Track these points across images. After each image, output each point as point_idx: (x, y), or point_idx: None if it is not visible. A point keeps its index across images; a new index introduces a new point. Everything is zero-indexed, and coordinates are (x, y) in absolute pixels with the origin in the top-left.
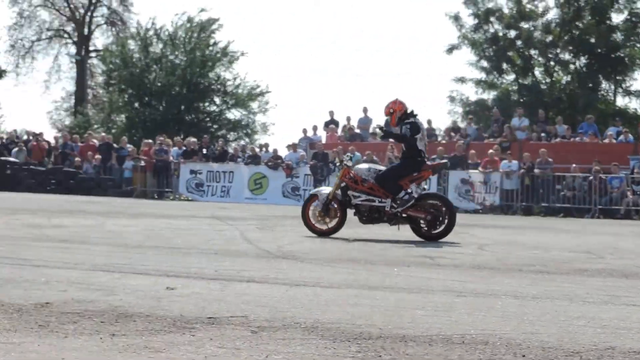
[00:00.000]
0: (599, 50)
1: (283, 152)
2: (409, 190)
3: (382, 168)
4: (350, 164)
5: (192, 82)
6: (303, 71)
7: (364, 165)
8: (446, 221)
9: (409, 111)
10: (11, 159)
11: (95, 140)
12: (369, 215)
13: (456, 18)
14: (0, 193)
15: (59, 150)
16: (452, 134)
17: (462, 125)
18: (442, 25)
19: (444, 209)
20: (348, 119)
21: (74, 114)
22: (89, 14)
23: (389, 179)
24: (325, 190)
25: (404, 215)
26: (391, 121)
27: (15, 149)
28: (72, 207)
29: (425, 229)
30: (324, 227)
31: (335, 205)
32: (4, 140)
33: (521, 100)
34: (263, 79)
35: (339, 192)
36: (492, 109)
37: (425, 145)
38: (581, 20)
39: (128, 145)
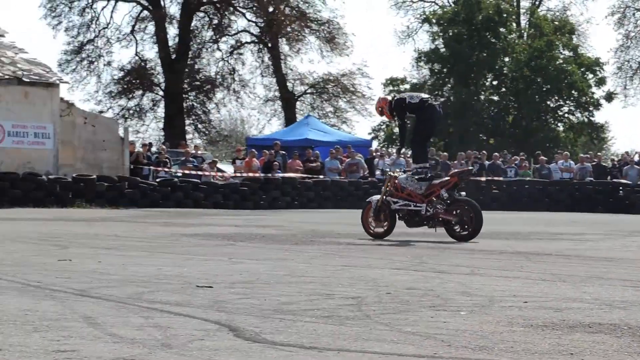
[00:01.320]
0: None
1: None
2: (444, 195)
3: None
4: (395, 174)
5: None
6: None
7: (403, 175)
8: (473, 224)
9: (390, 98)
10: (623, 180)
11: None
12: (410, 219)
13: None
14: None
15: None
16: None
17: None
18: None
19: (471, 213)
20: None
21: None
22: None
23: (413, 145)
24: (377, 197)
25: (439, 218)
26: (386, 117)
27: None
28: None
29: (457, 230)
30: (379, 230)
31: (386, 212)
32: (615, 163)
33: None
34: None
35: (387, 198)
36: None
37: (419, 98)
38: None
39: None
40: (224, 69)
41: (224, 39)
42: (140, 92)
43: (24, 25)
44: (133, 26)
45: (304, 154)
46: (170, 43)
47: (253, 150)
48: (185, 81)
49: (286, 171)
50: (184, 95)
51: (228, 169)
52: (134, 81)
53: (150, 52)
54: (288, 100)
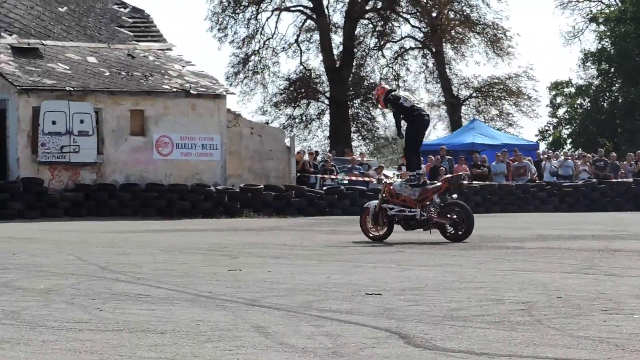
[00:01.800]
0: None
1: None
2: (436, 200)
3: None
4: (391, 180)
5: None
6: None
7: (398, 181)
8: (465, 225)
9: (388, 88)
10: None
11: None
12: (406, 223)
13: None
14: None
15: None
16: None
17: None
18: None
19: (463, 215)
20: None
21: None
22: None
23: (406, 153)
24: (374, 203)
25: (433, 222)
26: (380, 105)
27: None
28: None
29: (451, 231)
30: (377, 234)
31: (384, 216)
32: None
33: None
34: None
35: (383, 205)
36: None
37: (411, 103)
38: None
39: None
40: (389, 75)
41: (387, 45)
42: (305, 101)
43: (190, 38)
44: (297, 36)
45: (471, 158)
46: (335, 51)
47: None
48: (350, 89)
49: None
50: (349, 103)
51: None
52: (299, 90)
53: (315, 60)
54: (453, 105)
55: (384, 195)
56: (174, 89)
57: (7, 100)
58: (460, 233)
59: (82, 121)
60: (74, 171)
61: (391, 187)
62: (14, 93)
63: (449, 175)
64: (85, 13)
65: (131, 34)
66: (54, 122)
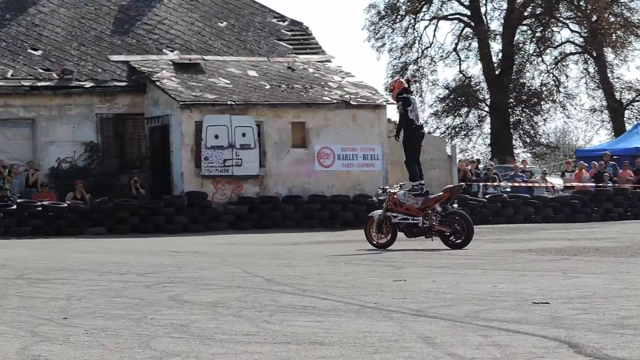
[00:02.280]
0: None
1: None
2: (438, 209)
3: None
4: (394, 190)
5: None
6: None
7: (401, 191)
8: (465, 233)
9: (406, 86)
10: None
11: None
12: (409, 231)
13: None
14: None
15: None
16: None
17: None
18: None
19: (463, 224)
20: None
21: None
22: None
23: (408, 164)
24: (378, 212)
25: (434, 229)
26: (392, 96)
27: None
28: None
29: (451, 239)
30: (381, 242)
31: (387, 225)
32: None
33: None
34: None
35: (387, 213)
36: None
37: (417, 116)
38: None
39: None
40: (549, 81)
41: (547, 50)
42: (465, 109)
43: (348, 49)
44: (456, 44)
45: (634, 163)
46: (494, 58)
47: (582, 162)
48: (511, 96)
49: (617, 182)
50: (509, 110)
51: (557, 182)
52: (459, 99)
53: (474, 68)
54: (616, 110)
55: (388, 204)
56: (335, 101)
57: (171, 116)
58: (459, 241)
59: (244, 134)
60: (237, 184)
61: (395, 197)
62: (176, 108)
63: (450, 186)
64: (245, 27)
65: (290, 46)
66: (216, 136)
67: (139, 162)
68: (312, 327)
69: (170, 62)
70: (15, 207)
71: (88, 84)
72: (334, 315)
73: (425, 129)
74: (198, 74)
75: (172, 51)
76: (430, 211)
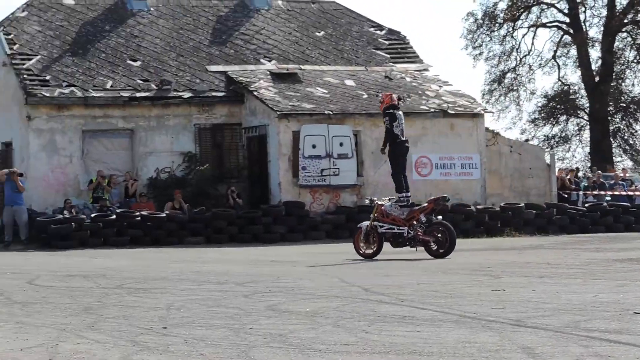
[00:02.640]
0: None
1: None
2: (422, 219)
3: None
4: (381, 202)
5: None
6: None
7: (388, 203)
8: (447, 243)
9: (394, 103)
10: None
11: None
12: (394, 241)
13: None
14: None
15: None
16: None
17: None
18: None
19: (447, 235)
20: None
21: None
22: None
23: (394, 178)
24: (366, 223)
25: (419, 239)
26: (379, 107)
27: None
28: None
29: (435, 249)
30: (368, 252)
31: (374, 235)
32: None
33: None
34: None
35: (374, 223)
36: None
37: (402, 131)
38: None
39: None
40: None
41: None
42: (564, 117)
43: (446, 58)
44: (555, 51)
45: None
46: (593, 66)
47: None
48: (610, 104)
49: None
50: (609, 118)
51: None
52: (557, 107)
53: (573, 76)
54: None
55: (375, 215)
56: (432, 110)
57: (268, 125)
58: (442, 251)
59: (341, 144)
60: (334, 194)
61: (382, 208)
62: (274, 118)
63: (434, 197)
64: (342, 37)
65: (388, 55)
66: (314, 146)
67: (236, 171)
68: (411, 337)
69: (268, 72)
70: (114, 217)
71: (186, 95)
72: (432, 325)
73: (523, 136)
74: (295, 83)
75: (269, 61)
76: (415, 222)
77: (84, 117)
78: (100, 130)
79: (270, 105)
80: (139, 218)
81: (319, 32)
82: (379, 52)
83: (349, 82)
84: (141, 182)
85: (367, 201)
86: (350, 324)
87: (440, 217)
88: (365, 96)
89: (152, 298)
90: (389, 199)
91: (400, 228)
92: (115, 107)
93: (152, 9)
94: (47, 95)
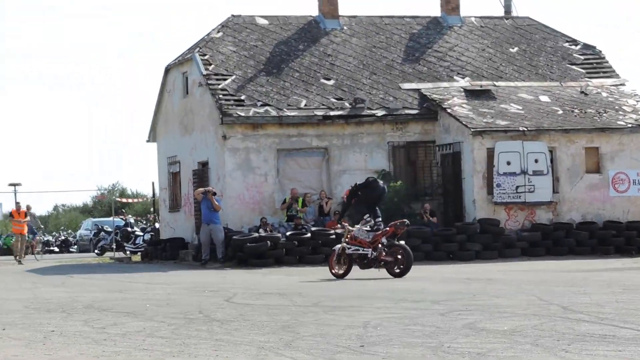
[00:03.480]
0: None
1: None
2: (384, 242)
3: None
4: (350, 228)
5: None
6: None
7: (356, 228)
8: (404, 264)
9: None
10: None
11: None
12: (360, 262)
13: None
14: None
15: None
16: None
17: None
18: None
19: (403, 255)
20: None
21: None
22: None
23: (368, 209)
24: (339, 246)
25: (380, 260)
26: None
27: None
28: None
29: (394, 269)
30: (340, 272)
31: (345, 257)
32: None
33: None
34: None
35: (344, 246)
36: None
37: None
38: None
39: None
40: None
41: None
42: None
43: None
44: None
45: None
46: None
47: None
48: None
49: None
50: None
51: None
52: None
53: None
54: None
55: (345, 239)
56: (629, 125)
57: (462, 143)
58: (398, 270)
59: (536, 160)
60: (529, 211)
61: (352, 233)
62: (468, 135)
63: (395, 222)
64: (536, 52)
65: (583, 71)
66: (508, 163)
67: (430, 189)
68: (613, 356)
69: (461, 89)
70: (309, 235)
71: (380, 113)
72: (635, 344)
73: None
74: (489, 100)
75: (463, 78)
76: (378, 245)
77: (279, 136)
78: (295, 149)
79: (464, 122)
80: (333, 236)
81: (513, 48)
82: (574, 67)
83: (544, 98)
84: (335, 200)
85: (339, 225)
86: (550, 342)
87: (403, 242)
88: (561, 112)
89: (348, 316)
90: (365, 220)
91: (365, 249)
92: (309, 126)
93: (345, 27)
94: (242, 114)
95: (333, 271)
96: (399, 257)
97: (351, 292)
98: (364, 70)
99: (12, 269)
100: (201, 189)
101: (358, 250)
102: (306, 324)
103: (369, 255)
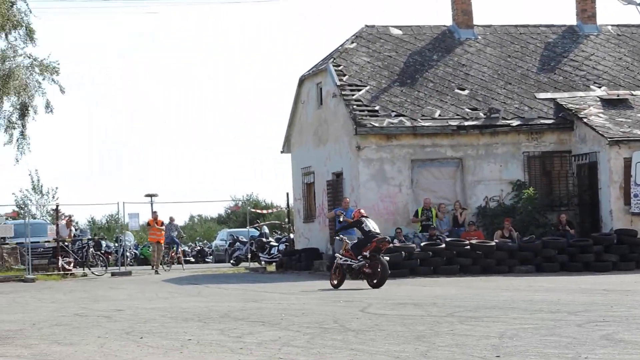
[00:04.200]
0: None
1: None
2: (367, 255)
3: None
4: (347, 240)
5: None
6: None
7: (350, 242)
8: (379, 276)
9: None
10: None
11: None
12: (350, 272)
13: None
14: None
15: None
16: None
17: None
18: None
19: (379, 268)
20: None
21: None
22: None
23: (355, 248)
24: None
25: (363, 271)
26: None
27: None
28: None
29: (371, 280)
30: (334, 282)
31: (339, 268)
32: None
33: None
34: None
35: (338, 256)
36: None
37: (373, 226)
38: None
39: None
40: None
41: None
42: None
43: None
44: None
45: None
46: None
47: None
48: None
49: None
50: None
51: None
52: None
53: None
54: None
55: (342, 251)
56: None
57: (599, 152)
58: (375, 281)
59: None
60: None
61: (347, 246)
62: (604, 145)
63: (377, 238)
64: None
65: None
66: None
67: (566, 199)
68: None
69: (598, 98)
70: (444, 246)
71: (515, 123)
72: None
73: None
74: (626, 109)
75: (599, 87)
76: (361, 257)
77: (413, 147)
78: (429, 160)
79: (600, 132)
80: (468, 247)
81: None
82: None
83: None
84: (470, 211)
85: (337, 238)
86: None
87: (387, 258)
88: None
89: (483, 326)
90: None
91: (352, 261)
92: (443, 136)
93: (479, 37)
94: (377, 125)
95: (331, 282)
96: (378, 270)
97: (486, 302)
98: (499, 80)
99: (150, 279)
100: (332, 214)
101: (347, 261)
102: (441, 334)
103: (354, 267)
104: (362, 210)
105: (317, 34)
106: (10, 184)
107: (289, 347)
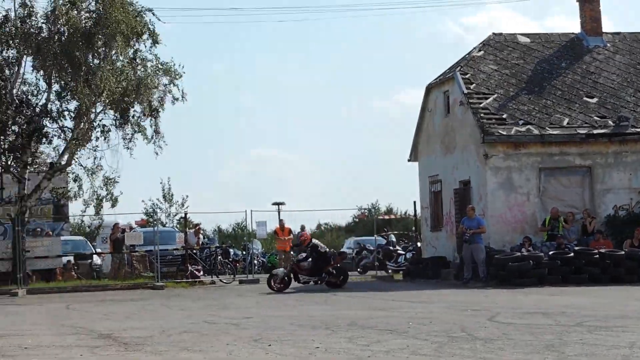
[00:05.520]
0: None
1: None
2: (330, 269)
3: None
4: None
5: None
6: None
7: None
8: (341, 278)
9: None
10: None
11: None
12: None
13: None
14: None
15: None
16: None
17: None
18: None
19: (342, 276)
20: None
21: None
22: None
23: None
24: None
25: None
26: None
27: None
28: None
29: (334, 282)
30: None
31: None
32: None
33: None
34: None
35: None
36: None
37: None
38: None
39: None
40: None
41: None
42: None
43: None
44: None
45: None
46: None
47: None
48: None
49: None
50: None
51: None
52: None
53: None
54: None
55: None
56: None
57: None
58: (338, 283)
59: None
60: None
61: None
62: None
63: (339, 252)
64: None
65: None
66: None
67: None
68: None
69: None
70: (572, 255)
71: None
72: None
73: None
74: None
75: None
76: (325, 274)
77: (540, 155)
78: (557, 168)
79: None
80: (597, 256)
81: None
82: None
83: None
84: (599, 220)
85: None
86: None
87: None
88: None
89: (613, 336)
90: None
91: (315, 277)
92: (572, 145)
93: (608, 44)
94: (504, 133)
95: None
96: (341, 278)
97: (616, 311)
98: (628, 87)
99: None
100: (462, 231)
101: (309, 280)
102: (570, 343)
103: (320, 283)
104: (306, 233)
105: (443, 43)
106: (141, 193)
107: (416, 355)
